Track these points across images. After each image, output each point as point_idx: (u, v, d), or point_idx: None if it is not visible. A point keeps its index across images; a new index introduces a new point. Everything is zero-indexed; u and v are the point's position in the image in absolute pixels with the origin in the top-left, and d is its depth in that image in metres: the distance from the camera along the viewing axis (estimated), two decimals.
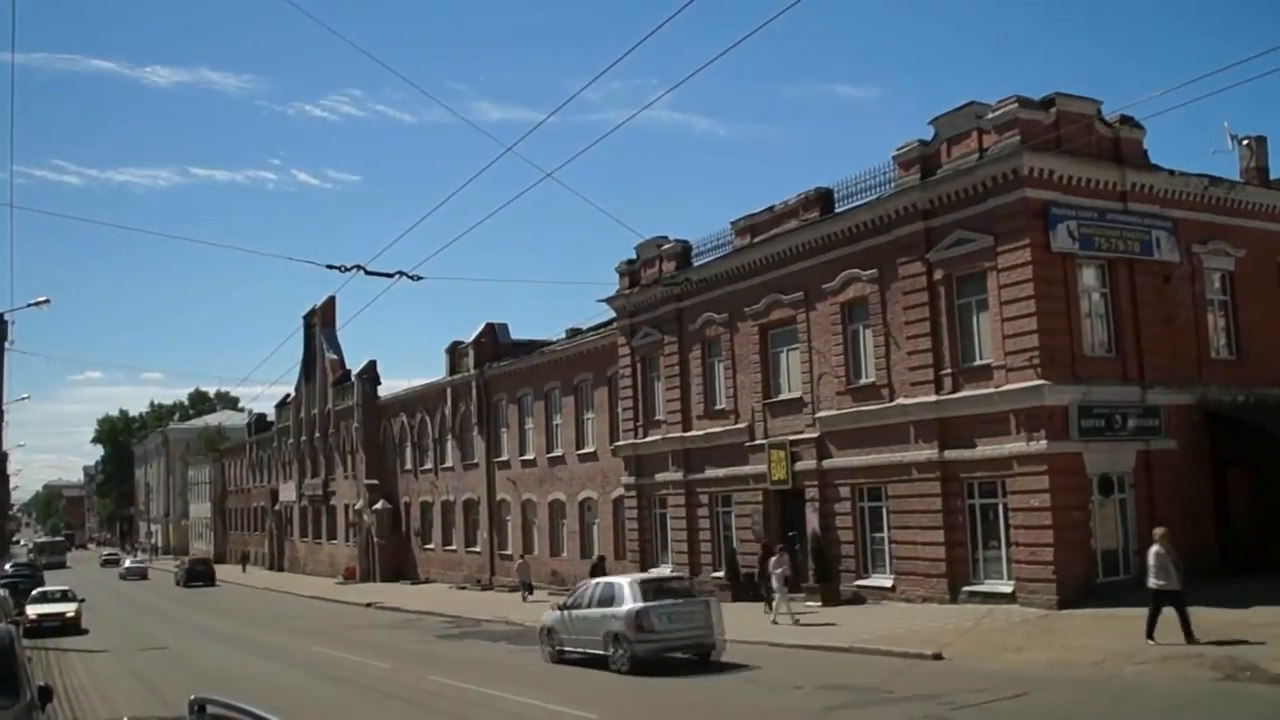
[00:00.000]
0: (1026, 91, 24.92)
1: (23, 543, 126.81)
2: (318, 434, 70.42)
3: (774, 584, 26.66)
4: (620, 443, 39.07)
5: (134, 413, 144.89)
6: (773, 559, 27.31)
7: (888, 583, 27.69)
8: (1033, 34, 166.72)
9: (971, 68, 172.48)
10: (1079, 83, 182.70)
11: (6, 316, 39.56)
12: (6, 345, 39.88)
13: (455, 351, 53.83)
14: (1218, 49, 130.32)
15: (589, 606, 21.88)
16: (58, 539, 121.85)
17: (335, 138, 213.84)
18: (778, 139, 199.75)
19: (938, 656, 19.01)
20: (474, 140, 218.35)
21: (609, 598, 21.32)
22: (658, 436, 36.74)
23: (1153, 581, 18.03)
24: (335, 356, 68.48)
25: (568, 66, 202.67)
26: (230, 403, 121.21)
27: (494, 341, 51.59)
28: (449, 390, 53.71)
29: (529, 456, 47.05)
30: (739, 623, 26.36)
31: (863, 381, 28.84)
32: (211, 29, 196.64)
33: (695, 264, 35.40)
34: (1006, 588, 24.30)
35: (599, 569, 35.19)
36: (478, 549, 51.21)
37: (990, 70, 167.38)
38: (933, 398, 26.28)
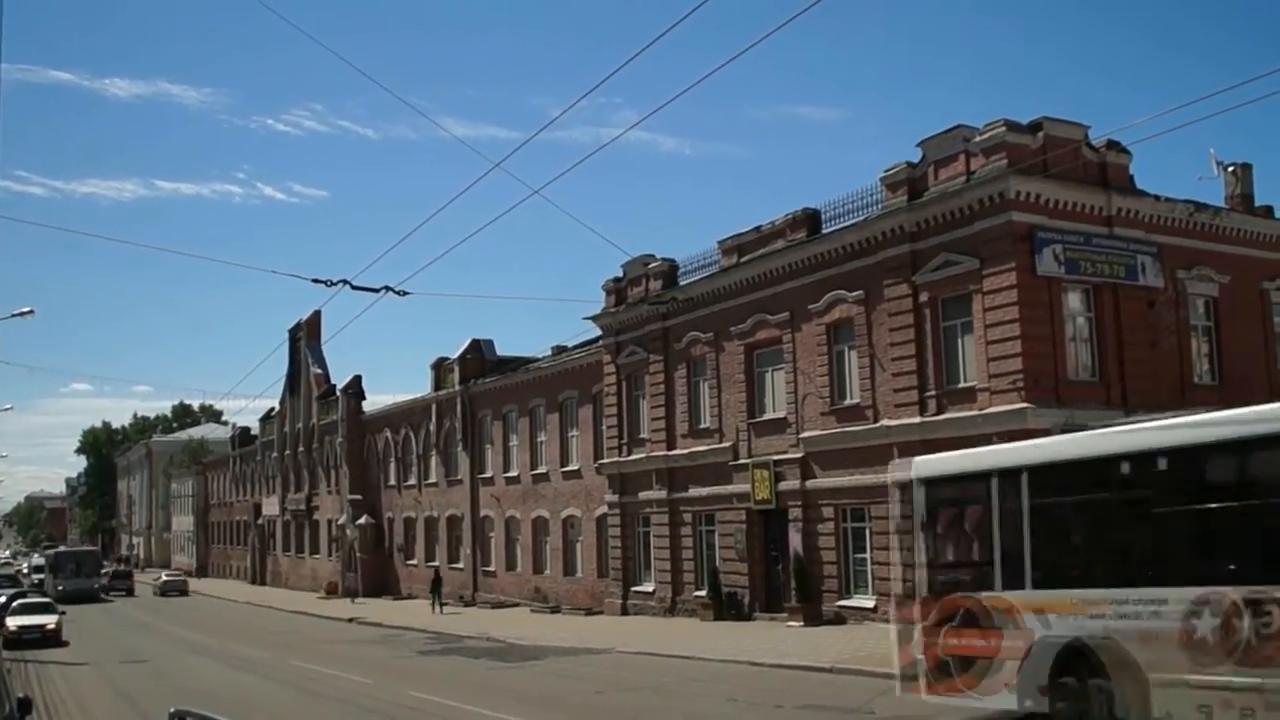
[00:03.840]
0: (992, 115, 25.07)
1: (18, 557, 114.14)
2: (302, 448, 70.26)
3: None
4: (604, 461, 39.07)
5: (117, 425, 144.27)
6: None
7: (870, 603, 27.70)
8: (999, 58, 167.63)
9: (940, 90, 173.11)
10: (1039, 103, 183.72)
11: None
12: None
13: (440, 367, 53.81)
14: (1203, 76, 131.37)
15: None
16: (85, 548, 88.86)
17: (299, 152, 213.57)
18: (743, 159, 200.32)
19: None
20: (440, 157, 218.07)
21: None
22: (642, 455, 36.75)
23: None
24: (320, 371, 68.36)
25: (530, 82, 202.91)
26: (214, 416, 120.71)
27: (479, 358, 51.60)
28: (434, 406, 53.66)
29: (513, 473, 46.99)
30: (721, 641, 26.38)
31: (847, 402, 28.91)
32: (167, 41, 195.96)
33: (682, 283, 35.47)
34: None
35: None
36: (460, 565, 51.08)
37: (959, 92, 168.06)
38: (917, 419, 26.35)
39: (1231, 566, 11.36)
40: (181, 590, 67.76)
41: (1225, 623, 11.12)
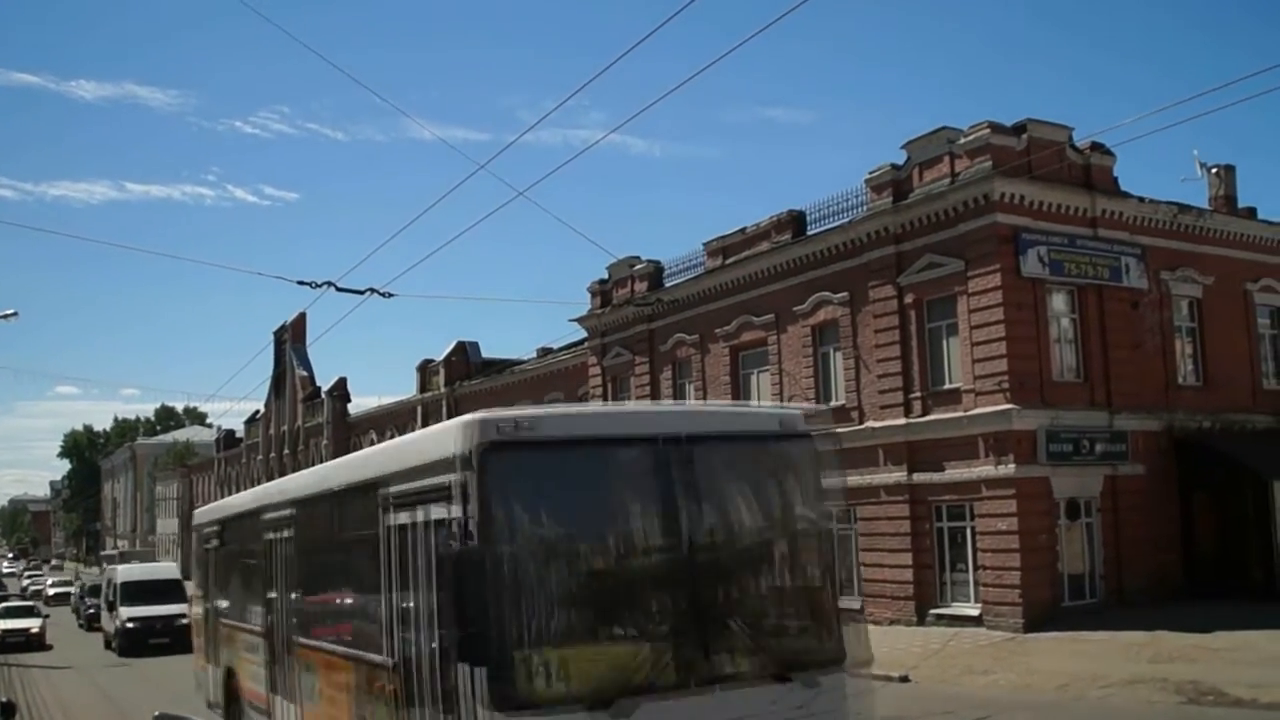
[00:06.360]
0: (966, 118, 25.10)
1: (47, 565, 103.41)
2: (287, 451, 69.99)
3: None
4: None
5: (99, 428, 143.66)
6: None
7: (855, 605, 27.65)
8: (973, 62, 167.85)
9: (914, 93, 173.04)
10: (1016, 107, 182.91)
11: None
12: None
13: (426, 370, 53.73)
14: (1187, 78, 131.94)
15: None
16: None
17: (269, 154, 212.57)
18: (714, 161, 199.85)
19: (904, 679, 19.03)
20: (409, 159, 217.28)
21: None
22: None
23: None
24: (305, 373, 68.15)
25: (497, 84, 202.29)
26: (199, 418, 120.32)
27: (465, 360, 51.51)
28: (419, 408, 53.52)
29: None
30: None
31: (832, 404, 28.88)
32: (133, 44, 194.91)
33: (667, 284, 35.44)
34: (973, 610, 24.37)
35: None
36: None
37: (933, 95, 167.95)
38: (902, 421, 26.39)
39: None
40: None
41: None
